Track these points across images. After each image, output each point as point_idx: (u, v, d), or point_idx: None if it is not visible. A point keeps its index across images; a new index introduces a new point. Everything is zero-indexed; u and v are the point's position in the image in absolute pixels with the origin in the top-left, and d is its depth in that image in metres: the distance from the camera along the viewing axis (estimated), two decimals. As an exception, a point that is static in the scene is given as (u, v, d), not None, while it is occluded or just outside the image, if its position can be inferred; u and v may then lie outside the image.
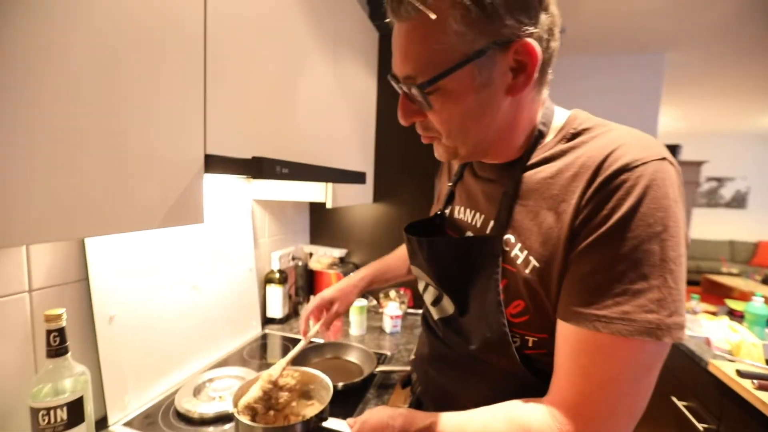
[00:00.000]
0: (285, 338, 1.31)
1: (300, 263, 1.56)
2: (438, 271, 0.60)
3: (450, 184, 0.69)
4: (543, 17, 0.45)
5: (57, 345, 0.66)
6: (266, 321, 1.42)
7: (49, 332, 0.65)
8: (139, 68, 0.54)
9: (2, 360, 0.68)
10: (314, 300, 0.88)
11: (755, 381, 1.11)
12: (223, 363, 1.11)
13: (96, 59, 0.48)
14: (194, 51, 0.63)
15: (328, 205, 1.19)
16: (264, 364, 1.12)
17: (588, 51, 2.82)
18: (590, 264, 0.43)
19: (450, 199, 0.68)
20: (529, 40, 0.44)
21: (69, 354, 0.68)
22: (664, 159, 0.43)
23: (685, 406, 1.40)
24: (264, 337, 1.32)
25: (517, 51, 0.44)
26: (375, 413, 0.61)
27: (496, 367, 0.55)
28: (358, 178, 1.10)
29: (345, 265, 1.66)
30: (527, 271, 0.48)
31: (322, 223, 1.76)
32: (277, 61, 0.87)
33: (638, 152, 0.43)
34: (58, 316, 0.66)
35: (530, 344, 0.51)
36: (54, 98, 0.44)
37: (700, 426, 1.30)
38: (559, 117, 0.54)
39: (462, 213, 0.63)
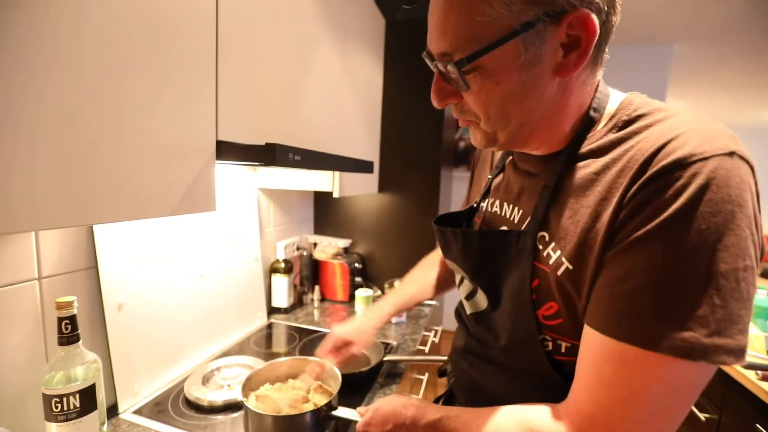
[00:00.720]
0: (290, 327, 1.32)
1: (305, 253, 1.56)
2: (472, 264, 0.58)
3: (490, 176, 0.65)
4: None
5: (69, 332, 0.66)
6: (271, 311, 1.43)
7: (60, 320, 0.65)
8: (150, 54, 0.53)
9: (14, 347, 0.67)
10: (330, 338, 0.83)
11: (759, 372, 1.12)
12: (229, 352, 1.11)
13: (107, 44, 0.47)
14: (206, 38, 0.62)
15: (335, 195, 1.18)
16: (270, 354, 1.13)
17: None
18: (625, 267, 0.38)
19: (488, 192, 0.64)
20: (588, 11, 0.38)
21: (80, 342, 0.68)
22: (732, 154, 0.36)
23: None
24: (270, 326, 1.32)
25: (571, 24, 0.39)
26: (387, 402, 0.61)
27: (525, 367, 0.52)
28: (366, 167, 1.09)
29: (349, 255, 1.66)
30: (559, 272, 0.45)
31: (326, 213, 1.76)
32: (287, 48, 0.85)
33: (698, 144, 0.36)
34: (70, 304, 0.65)
35: (563, 350, 0.48)
36: (64, 84, 0.43)
37: (701, 416, 1.31)
38: (613, 102, 0.47)
39: (499, 207, 0.59)
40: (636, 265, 0.38)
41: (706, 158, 0.35)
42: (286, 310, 1.42)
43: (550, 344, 0.49)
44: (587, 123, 0.46)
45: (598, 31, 0.39)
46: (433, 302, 1.60)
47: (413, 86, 1.58)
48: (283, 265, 1.39)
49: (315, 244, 1.67)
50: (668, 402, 0.38)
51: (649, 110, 0.43)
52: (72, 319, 0.66)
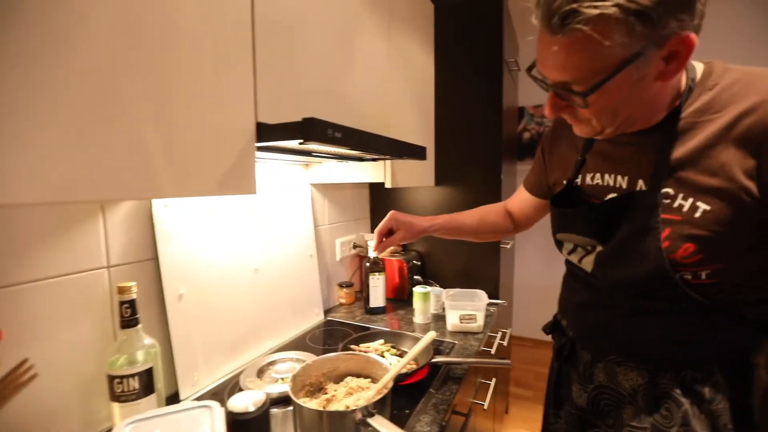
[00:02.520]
0: (346, 325, 1.29)
1: (362, 251, 1.53)
2: (597, 230, 0.63)
3: (579, 157, 0.70)
4: (698, 5, 0.45)
5: (128, 316, 0.68)
6: (329, 309, 1.41)
7: (121, 303, 0.68)
8: (190, 40, 0.54)
9: (85, 331, 0.71)
10: (388, 217, 0.93)
11: None
12: (285, 348, 1.11)
13: (151, 31, 0.48)
14: (241, 23, 0.62)
15: (387, 185, 1.14)
16: (326, 350, 1.10)
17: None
18: None
19: (579, 169, 0.70)
20: (688, 32, 0.45)
21: (140, 326, 0.70)
22: None
23: None
24: (326, 323, 1.31)
25: (673, 44, 0.46)
26: None
27: (660, 300, 0.59)
28: (417, 152, 1.02)
29: (407, 252, 1.60)
30: (696, 215, 0.52)
31: (383, 210, 1.71)
32: (329, 31, 0.84)
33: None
34: (129, 288, 0.68)
35: (703, 276, 0.54)
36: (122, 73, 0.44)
37: None
38: (697, 71, 0.56)
39: (600, 179, 0.66)
40: None
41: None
42: (382, 310, 1.37)
43: (690, 275, 0.55)
44: (687, 95, 0.55)
45: (696, 42, 0.46)
46: (501, 301, 1.46)
47: (468, 76, 1.49)
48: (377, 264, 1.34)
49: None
50: None
51: (722, 71, 0.54)
52: (131, 303, 0.68)
